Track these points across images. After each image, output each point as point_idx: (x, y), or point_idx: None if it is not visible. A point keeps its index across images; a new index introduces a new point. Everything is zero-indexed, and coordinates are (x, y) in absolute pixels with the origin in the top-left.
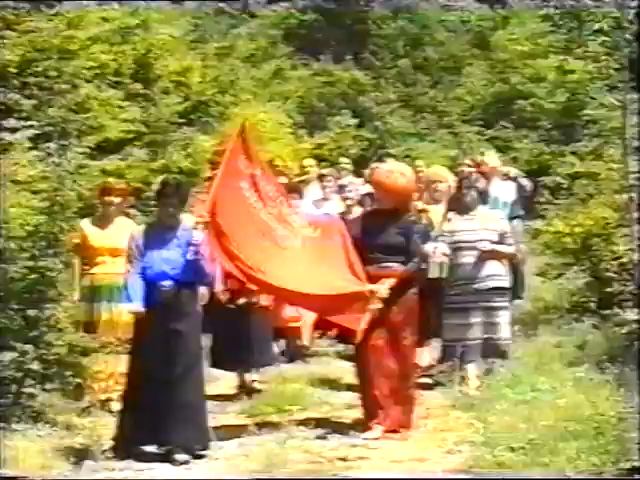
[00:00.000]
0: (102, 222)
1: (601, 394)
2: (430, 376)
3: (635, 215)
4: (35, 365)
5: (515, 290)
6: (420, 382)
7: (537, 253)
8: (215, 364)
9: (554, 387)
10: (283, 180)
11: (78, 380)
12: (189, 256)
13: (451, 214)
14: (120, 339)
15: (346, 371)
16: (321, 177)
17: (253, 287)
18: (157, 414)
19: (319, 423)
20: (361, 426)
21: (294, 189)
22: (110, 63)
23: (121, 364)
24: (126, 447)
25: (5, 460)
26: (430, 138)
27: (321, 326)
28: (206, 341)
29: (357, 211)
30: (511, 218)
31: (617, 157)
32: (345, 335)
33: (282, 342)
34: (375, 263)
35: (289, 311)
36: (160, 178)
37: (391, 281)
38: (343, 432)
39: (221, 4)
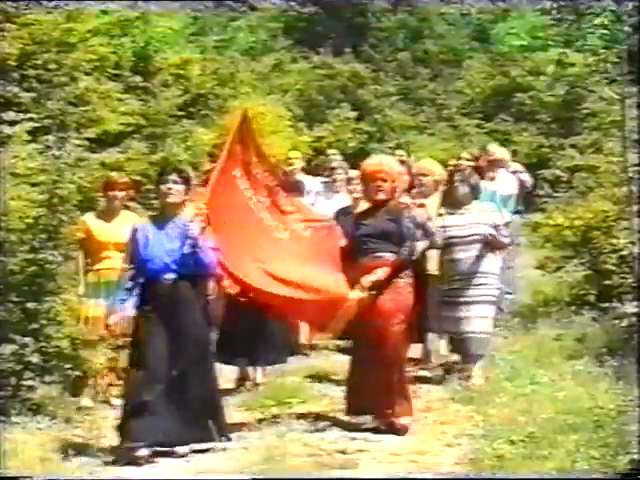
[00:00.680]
0: (107, 216)
1: (600, 387)
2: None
3: (635, 208)
4: (35, 358)
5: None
6: (420, 375)
7: (537, 246)
8: (222, 358)
9: (553, 380)
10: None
11: (77, 373)
12: (186, 249)
13: (443, 209)
14: (124, 334)
15: (345, 364)
16: (331, 170)
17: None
18: (165, 413)
19: (318, 416)
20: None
21: (294, 188)
22: (109, 56)
23: (123, 358)
24: (128, 451)
25: (5, 453)
26: (429, 131)
27: None
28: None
29: (364, 205)
30: (511, 212)
31: (616, 150)
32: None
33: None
34: (369, 253)
35: None
36: (161, 168)
37: (384, 270)
38: (342, 425)
39: None
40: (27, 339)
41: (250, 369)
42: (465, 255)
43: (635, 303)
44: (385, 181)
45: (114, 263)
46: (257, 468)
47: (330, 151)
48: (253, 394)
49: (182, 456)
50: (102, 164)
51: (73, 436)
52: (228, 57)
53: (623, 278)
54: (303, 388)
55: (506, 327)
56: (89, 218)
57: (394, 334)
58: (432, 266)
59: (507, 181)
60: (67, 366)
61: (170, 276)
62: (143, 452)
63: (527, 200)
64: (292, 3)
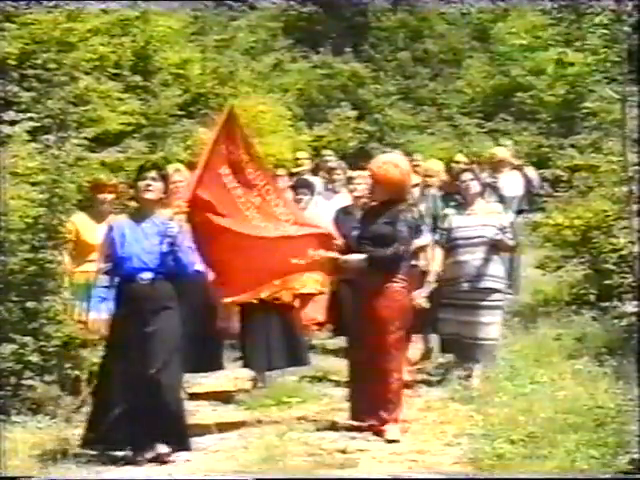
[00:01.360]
0: (97, 218)
1: (600, 387)
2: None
3: (635, 207)
4: (34, 357)
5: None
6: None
7: (537, 246)
8: (245, 363)
9: (553, 380)
10: (282, 173)
11: (77, 372)
12: (164, 248)
13: (448, 210)
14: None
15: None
16: (330, 170)
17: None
18: (130, 416)
19: (318, 415)
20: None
21: (304, 184)
22: (109, 55)
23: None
24: (97, 450)
25: (4, 452)
26: (429, 130)
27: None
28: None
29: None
30: (515, 212)
31: (617, 150)
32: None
33: None
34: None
35: (310, 313)
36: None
37: (357, 257)
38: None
39: None
40: (27, 338)
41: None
42: (471, 257)
43: (635, 303)
44: (388, 181)
45: None
46: (257, 467)
47: (325, 152)
48: (253, 393)
49: (148, 462)
50: (102, 164)
51: (73, 435)
52: (228, 56)
53: (623, 278)
54: (303, 387)
55: (506, 327)
56: (77, 219)
57: (391, 342)
58: (434, 267)
59: (513, 181)
60: (67, 365)
61: (147, 275)
62: (163, 450)
63: (529, 199)
64: (292, 2)
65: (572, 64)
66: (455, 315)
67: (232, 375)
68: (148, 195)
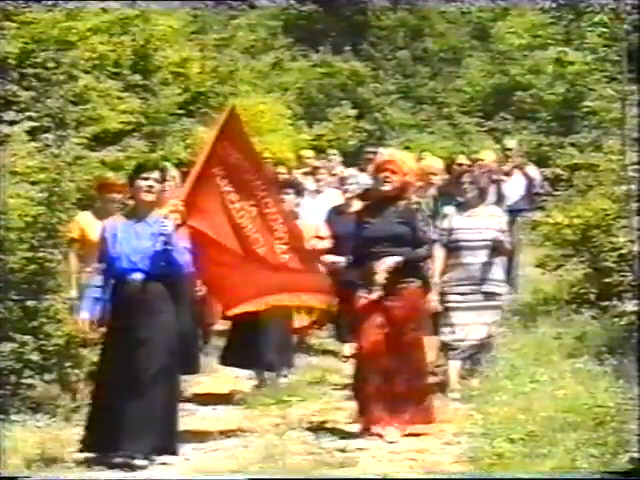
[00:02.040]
0: (103, 217)
1: (600, 385)
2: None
3: (634, 206)
4: (34, 356)
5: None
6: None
7: (537, 244)
8: (228, 361)
9: (553, 378)
10: (279, 171)
11: (77, 371)
12: (158, 247)
13: (448, 209)
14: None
15: (344, 366)
16: (314, 169)
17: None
18: (126, 421)
19: (318, 415)
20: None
21: (290, 184)
22: (109, 54)
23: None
24: (93, 456)
25: (4, 450)
26: (429, 129)
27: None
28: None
29: (357, 205)
30: (514, 211)
31: (616, 148)
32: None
33: None
34: (382, 257)
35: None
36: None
37: (393, 259)
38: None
39: None
40: (27, 337)
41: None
42: (474, 260)
43: (635, 301)
44: (394, 173)
45: None
46: (257, 467)
47: (330, 151)
48: (252, 393)
49: (141, 467)
50: (101, 163)
51: (73, 434)
52: (228, 55)
53: (623, 276)
54: (303, 386)
55: (506, 325)
56: (82, 218)
57: (409, 342)
58: (437, 267)
59: (515, 182)
60: (67, 364)
61: (137, 276)
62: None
63: (530, 199)
64: (292, 1)
65: (572, 63)
66: (457, 319)
67: (232, 375)
68: (148, 197)
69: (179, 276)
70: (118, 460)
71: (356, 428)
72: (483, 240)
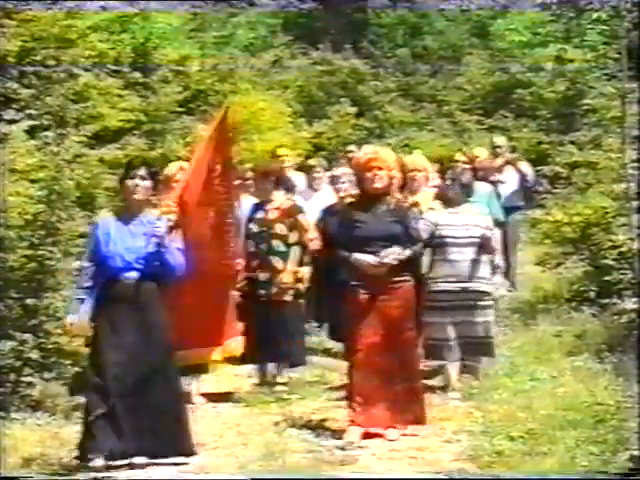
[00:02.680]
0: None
1: (600, 383)
2: None
3: (634, 204)
4: (34, 354)
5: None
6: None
7: (536, 242)
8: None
9: (553, 376)
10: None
11: (76, 369)
12: (151, 247)
13: (434, 203)
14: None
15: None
16: (309, 168)
17: None
18: (123, 423)
19: (318, 413)
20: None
21: (281, 182)
22: (109, 52)
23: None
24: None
25: (4, 449)
26: (429, 127)
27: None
28: None
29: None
30: (509, 209)
31: (616, 146)
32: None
33: None
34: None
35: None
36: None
37: (395, 250)
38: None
39: None
40: (26, 335)
41: (269, 370)
42: (461, 257)
43: (634, 299)
44: (381, 169)
45: None
46: (256, 465)
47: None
48: (252, 390)
49: (141, 468)
50: (101, 160)
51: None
52: (227, 53)
53: (622, 274)
54: (302, 384)
55: (506, 324)
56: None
57: (405, 341)
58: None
59: (507, 178)
60: (67, 362)
61: (131, 275)
62: (98, 463)
63: (527, 196)
64: None
65: (572, 61)
66: (444, 317)
67: (232, 373)
68: (135, 195)
69: (172, 277)
70: (112, 463)
71: (355, 436)
72: (470, 237)
